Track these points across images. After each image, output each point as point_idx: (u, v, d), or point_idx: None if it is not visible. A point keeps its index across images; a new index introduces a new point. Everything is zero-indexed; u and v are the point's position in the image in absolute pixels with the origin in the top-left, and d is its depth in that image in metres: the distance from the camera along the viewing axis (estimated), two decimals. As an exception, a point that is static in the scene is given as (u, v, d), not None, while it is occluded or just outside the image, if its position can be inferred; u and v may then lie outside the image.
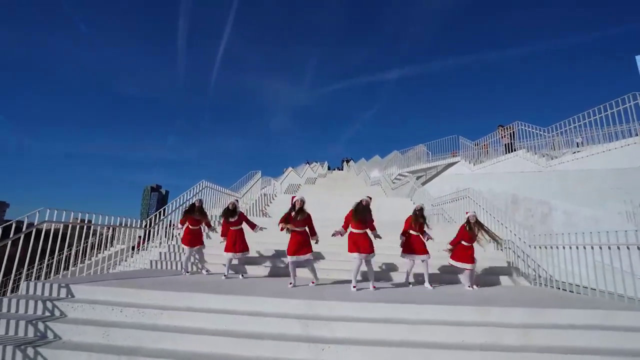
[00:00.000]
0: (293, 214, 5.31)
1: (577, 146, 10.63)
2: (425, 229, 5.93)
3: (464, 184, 11.78)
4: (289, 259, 5.25)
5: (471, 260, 5.73)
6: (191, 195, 8.75)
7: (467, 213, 6.06)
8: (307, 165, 25.62)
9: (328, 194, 14.69)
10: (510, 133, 11.79)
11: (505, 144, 11.96)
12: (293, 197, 5.54)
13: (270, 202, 12.78)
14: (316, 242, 5.48)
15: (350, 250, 5.17)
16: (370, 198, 5.49)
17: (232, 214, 6.23)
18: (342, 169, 29.55)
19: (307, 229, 5.41)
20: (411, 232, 5.89)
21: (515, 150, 11.45)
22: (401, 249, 5.88)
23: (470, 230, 5.78)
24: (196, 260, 6.76)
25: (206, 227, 6.99)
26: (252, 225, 6.42)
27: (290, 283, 5.23)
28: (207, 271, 6.46)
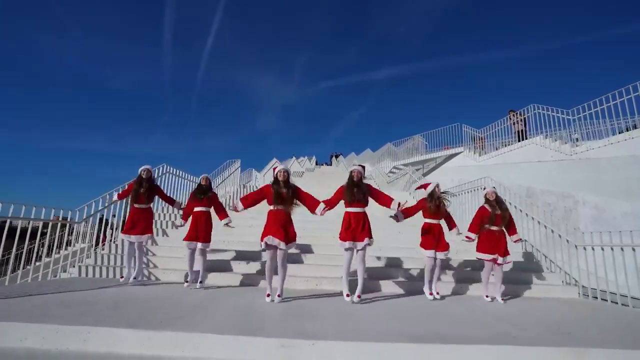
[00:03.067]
0: (284, 191, 3.88)
1: (576, 141, 9.34)
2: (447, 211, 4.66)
3: (469, 176, 10.39)
4: (267, 242, 3.71)
5: (503, 250, 4.37)
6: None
7: (484, 189, 4.81)
8: (294, 158, 23.97)
9: (316, 186, 13.10)
10: (523, 119, 10.43)
11: (517, 131, 10.61)
12: (275, 169, 4.05)
13: (250, 195, 11.14)
14: (322, 210, 3.99)
15: (343, 237, 3.95)
16: (363, 167, 4.23)
17: (203, 191, 4.78)
18: (331, 164, 28.04)
19: (290, 206, 4.00)
20: (426, 220, 4.53)
21: (527, 138, 10.13)
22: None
23: (493, 210, 4.47)
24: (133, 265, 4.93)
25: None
26: (223, 214, 4.81)
27: (268, 295, 3.76)
28: (142, 276, 4.78)
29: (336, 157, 28.88)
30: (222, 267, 5.30)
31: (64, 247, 6.91)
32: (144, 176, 4.87)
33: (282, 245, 3.70)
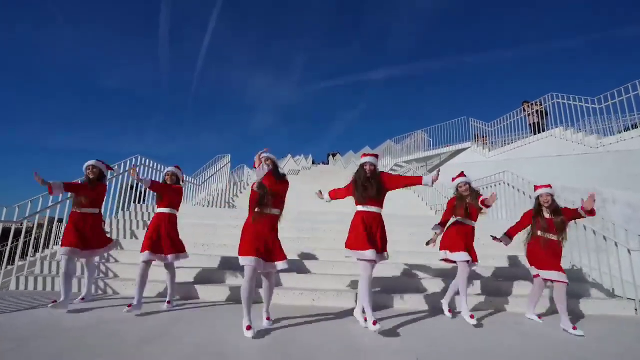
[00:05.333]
0: (269, 189, 2.84)
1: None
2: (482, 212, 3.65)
3: (477, 174, 9.48)
4: (244, 262, 2.66)
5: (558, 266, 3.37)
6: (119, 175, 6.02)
7: (536, 189, 3.72)
8: (290, 157, 23.01)
9: (311, 183, 12.20)
10: (539, 111, 9.54)
11: (532, 124, 9.72)
12: (261, 154, 2.90)
13: (240, 193, 10.19)
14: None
15: (359, 244, 2.90)
16: (377, 157, 3.26)
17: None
18: (328, 163, 27.13)
19: (281, 210, 2.97)
20: (457, 219, 3.66)
21: (544, 131, 9.25)
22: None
23: (547, 217, 3.49)
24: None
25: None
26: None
27: (249, 327, 2.57)
28: (91, 297, 3.71)
29: (333, 156, 28.02)
30: (194, 278, 4.32)
31: (30, 251, 5.88)
32: (91, 177, 3.62)
33: (267, 266, 2.78)
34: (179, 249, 3.59)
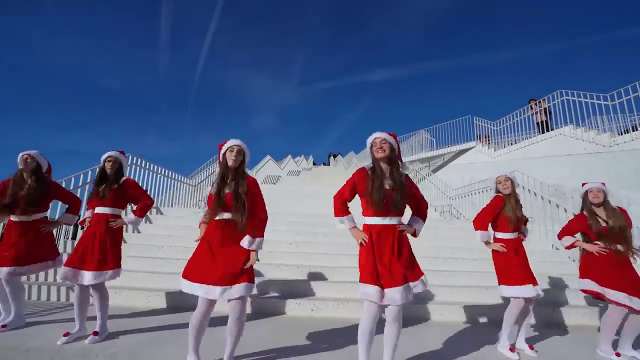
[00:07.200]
0: (231, 190, 2.11)
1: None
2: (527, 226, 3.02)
3: (482, 174, 9.21)
4: (198, 291, 2.02)
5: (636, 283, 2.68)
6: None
7: (582, 185, 3.06)
8: (290, 157, 22.73)
9: (314, 184, 11.91)
10: (547, 109, 9.21)
11: (539, 122, 9.40)
12: (220, 146, 2.23)
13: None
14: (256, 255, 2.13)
15: (364, 278, 1.97)
16: (394, 135, 2.21)
17: (107, 181, 2.74)
18: (329, 164, 26.86)
19: (243, 217, 2.11)
20: (500, 234, 2.84)
21: (551, 130, 8.91)
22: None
23: (603, 220, 2.78)
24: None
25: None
26: (142, 212, 2.88)
27: None
28: (20, 324, 2.77)
29: (334, 156, 27.74)
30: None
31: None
32: (25, 170, 2.79)
33: (217, 292, 1.97)
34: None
